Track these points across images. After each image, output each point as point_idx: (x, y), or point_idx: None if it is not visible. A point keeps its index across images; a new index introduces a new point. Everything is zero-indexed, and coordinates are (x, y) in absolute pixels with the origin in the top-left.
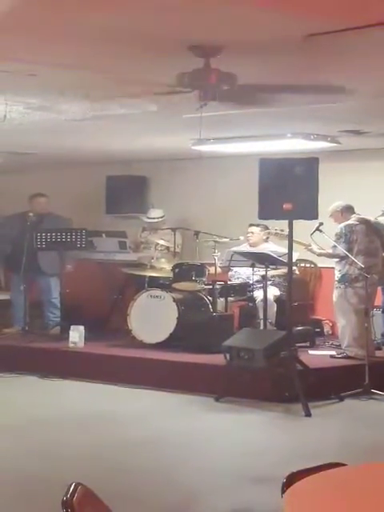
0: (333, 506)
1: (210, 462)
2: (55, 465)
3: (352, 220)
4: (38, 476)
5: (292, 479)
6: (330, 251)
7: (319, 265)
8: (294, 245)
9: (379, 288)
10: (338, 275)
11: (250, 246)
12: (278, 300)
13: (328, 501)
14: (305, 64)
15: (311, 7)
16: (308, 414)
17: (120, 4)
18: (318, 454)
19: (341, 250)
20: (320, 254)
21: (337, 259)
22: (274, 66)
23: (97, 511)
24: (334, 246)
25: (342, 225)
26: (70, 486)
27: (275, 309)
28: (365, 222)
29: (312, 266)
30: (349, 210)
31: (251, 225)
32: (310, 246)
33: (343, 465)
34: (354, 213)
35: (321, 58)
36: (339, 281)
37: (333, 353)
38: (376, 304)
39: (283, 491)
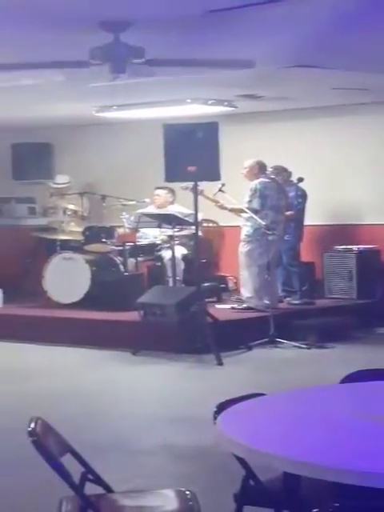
0: (259, 422)
1: (132, 407)
2: None
3: (264, 178)
4: None
5: (221, 407)
6: (245, 206)
7: (221, 224)
8: (206, 202)
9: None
10: (248, 230)
11: (157, 208)
12: (185, 258)
13: (255, 419)
14: (206, 37)
15: None
16: (220, 363)
17: None
18: (230, 395)
19: (256, 203)
20: (232, 210)
21: (249, 214)
22: (179, 40)
23: (54, 436)
24: (249, 201)
25: (257, 181)
26: (31, 419)
27: (183, 267)
28: (275, 181)
29: (215, 225)
30: (262, 168)
31: (157, 188)
32: (219, 202)
33: (263, 394)
34: (266, 170)
35: (220, 32)
36: (250, 235)
37: (235, 305)
38: None
39: (215, 418)
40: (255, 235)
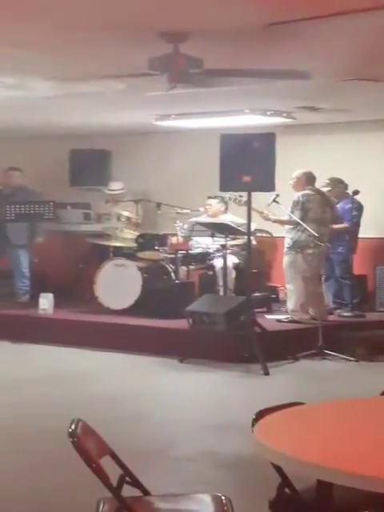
0: (296, 430)
1: (177, 414)
2: (34, 418)
3: (309, 190)
4: (20, 429)
5: (260, 415)
6: (286, 218)
7: (275, 234)
8: (252, 214)
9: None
10: (289, 242)
11: (209, 217)
12: (236, 267)
13: (293, 428)
14: (265, 49)
15: None
16: (266, 373)
17: None
18: (273, 405)
19: (298, 215)
20: (275, 221)
21: (290, 226)
22: (237, 52)
23: (94, 438)
24: (291, 213)
25: (300, 193)
26: (72, 421)
27: (234, 276)
28: (321, 193)
29: (268, 235)
30: (310, 179)
31: (209, 197)
32: (263, 212)
33: (302, 404)
34: (315, 183)
35: (279, 44)
36: (290, 247)
37: (281, 317)
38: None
39: (253, 425)
40: (294, 247)
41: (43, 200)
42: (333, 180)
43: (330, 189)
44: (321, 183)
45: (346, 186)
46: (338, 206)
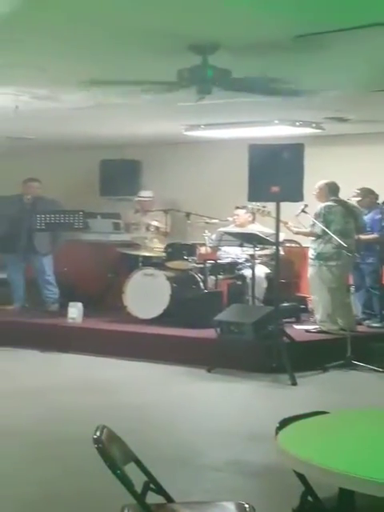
0: (319, 439)
1: (204, 423)
2: (62, 426)
3: (331, 201)
4: (48, 435)
5: (284, 424)
6: (308, 230)
7: (304, 245)
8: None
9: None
10: (313, 253)
11: (237, 226)
12: (267, 277)
13: (315, 436)
14: (293, 61)
15: (300, 11)
16: (294, 383)
17: (124, 5)
18: None
19: (318, 228)
20: (297, 232)
21: (313, 238)
22: (266, 63)
23: (119, 445)
24: (313, 225)
25: (322, 205)
26: (97, 427)
27: (265, 286)
28: (343, 204)
29: (297, 245)
30: (332, 189)
31: (237, 207)
32: (287, 223)
33: (326, 413)
34: (338, 193)
35: (307, 56)
36: (314, 259)
37: (309, 328)
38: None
39: (277, 433)
40: (318, 259)
41: (64, 209)
42: (363, 190)
43: (360, 198)
44: (351, 193)
45: (376, 196)
46: (368, 216)
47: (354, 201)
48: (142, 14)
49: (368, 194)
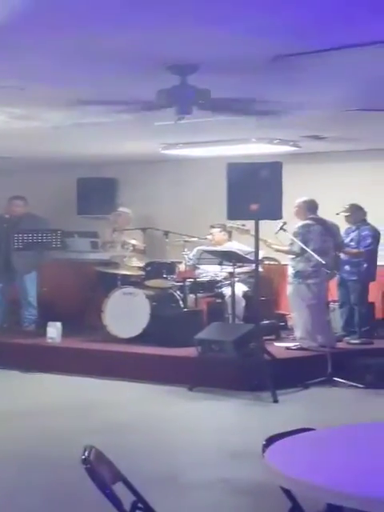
0: (306, 455)
1: (188, 442)
2: (45, 447)
3: (309, 220)
4: (32, 458)
5: (270, 441)
6: (287, 248)
7: (283, 262)
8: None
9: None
10: (292, 271)
11: (213, 246)
12: (245, 296)
13: (302, 453)
14: (272, 81)
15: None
16: (276, 401)
17: (103, 26)
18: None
19: (297, 247)
20: (277, 250)
21: (292, 256)
22: (244, 83)
23: (107, 465)
24: (291, 244)
25: (300, 224)
26: (85, 448)
27: (243, 304)
28: (321, 222)
29: (276, 263)
30: (311, 208)
31: (212, 226)
32: (267, 241)
33: (312, 429)
34: (317, 210)
35: (286, 76)
36: (293, 277)
37: (290, 345)
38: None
39: (263, 451)
40: (297, 277)
41: (50, 228)
42: (352, 206)
43: (348, 214)
44: (340, 209)
45: (364, 213)
46: (355, 232)
47: (342, 215)
48: (120, 35)
49: (356, 211)
